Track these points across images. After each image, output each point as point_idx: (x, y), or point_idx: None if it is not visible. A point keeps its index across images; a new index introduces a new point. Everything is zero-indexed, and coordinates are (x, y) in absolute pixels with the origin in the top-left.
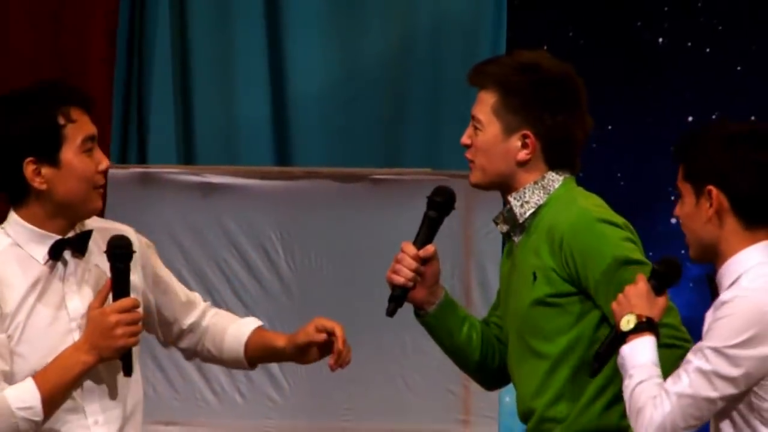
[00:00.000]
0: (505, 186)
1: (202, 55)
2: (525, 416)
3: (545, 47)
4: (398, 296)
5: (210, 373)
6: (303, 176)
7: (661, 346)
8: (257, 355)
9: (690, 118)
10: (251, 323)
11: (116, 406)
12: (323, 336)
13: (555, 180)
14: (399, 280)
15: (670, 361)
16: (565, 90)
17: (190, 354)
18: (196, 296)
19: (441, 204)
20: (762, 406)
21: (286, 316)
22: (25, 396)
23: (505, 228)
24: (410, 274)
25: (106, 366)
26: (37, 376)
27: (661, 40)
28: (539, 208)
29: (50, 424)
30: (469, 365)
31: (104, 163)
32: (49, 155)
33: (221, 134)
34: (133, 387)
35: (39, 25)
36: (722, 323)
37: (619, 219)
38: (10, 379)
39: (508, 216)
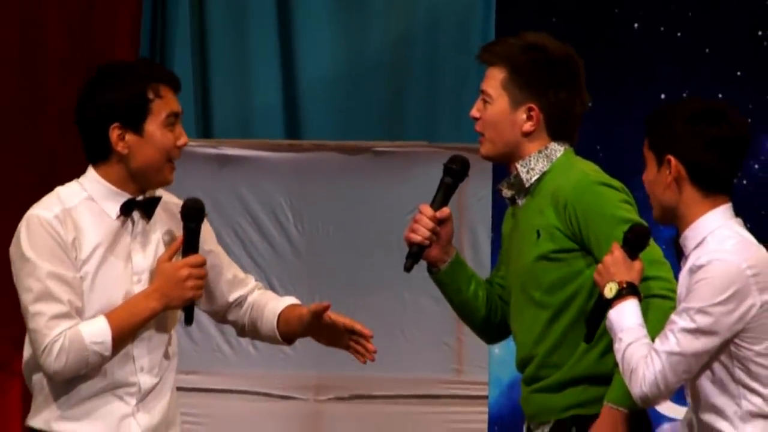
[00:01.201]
0: (511, 156)
1: (219, 41)
2: (524, 363)
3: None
4: (415, 253)
5: (226, 326)
6: (311, 149)
7: (655, 296)
8: (287, 328)
9: (663, 96)
10: (288, 300)
11: (159, 356)
12: (352, 344)
13: (557, 150)
14: (417, 238)
15: (663, 311)
16: (568, 69)
17: (239, 329)
18: (248, 276)
19: (457, 171)
20: (740, 354)
21: (295, 276)
22: (98, 332)
23: (509, 193)
24: (427, 233)
25: (155, 319)
26: (108, 315)
27: (636, 25)
28: (543, 174)
29: (101, 369)
30: (475, 320)
31: (183, 139)
32: (135, 124)
33: (237, 112)
34: (173, 339)
35: (71, 26)
36: (702, 284)
37: (617, 183)
38: (80, 316)
39: (515, 182)
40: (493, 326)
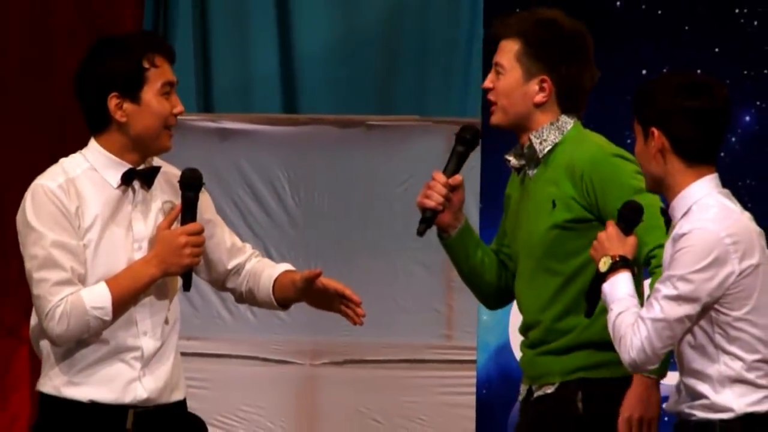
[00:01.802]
0: (522, 126)
1: (219, 16)
2: (528, 327)
3: (518, 10)
4: (429, 218)
5: (226, 294)
6: (307, 122)
7: (660, 266)
8: (282, 294)
9: (644, 72)
10: (283, 266)
11: (161, 320)
12: (342, 308)
13: (568, 122)
14: (430, 203)
15: None
16: (579, 44)
17: (238, 296)
18: (246, 245)
19: (469, 140)
20: (720, 320)
21: (292, 246)
22: (99, 297)
23: (519, 163)
24: (440, 199)
25: (156, 285)
26: (109, 282)
27: (618, 3)
28: (555, 145)
29: (106, 334)
30: (481, 285)
31: (179, 107)
32: (132, 93)
33: (236, 86)
34: (174, 305)
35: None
36: (684, 252)
37: (629, 154)
38: (82, 283)
39: (527, 152)
40: (497, 292)
